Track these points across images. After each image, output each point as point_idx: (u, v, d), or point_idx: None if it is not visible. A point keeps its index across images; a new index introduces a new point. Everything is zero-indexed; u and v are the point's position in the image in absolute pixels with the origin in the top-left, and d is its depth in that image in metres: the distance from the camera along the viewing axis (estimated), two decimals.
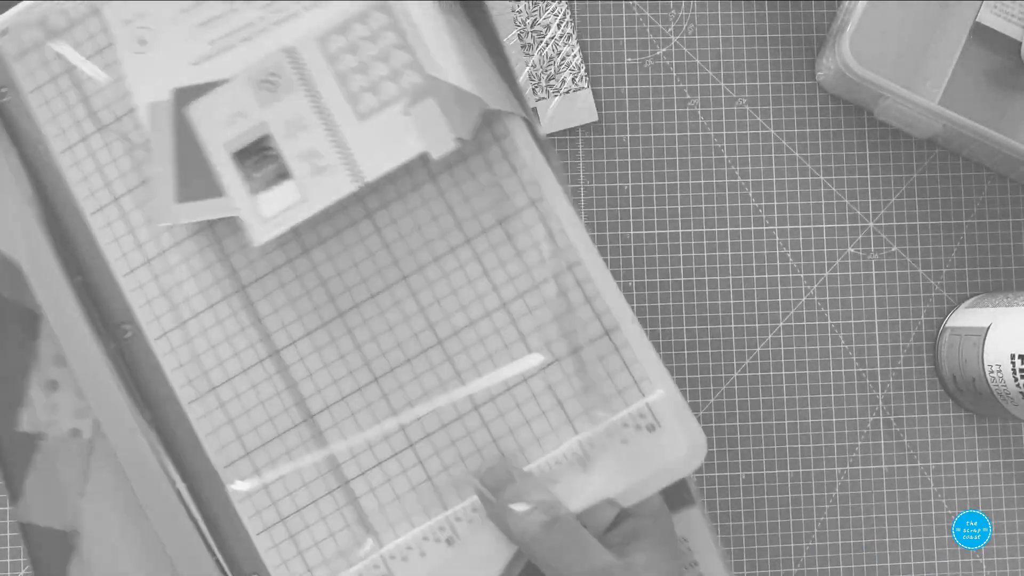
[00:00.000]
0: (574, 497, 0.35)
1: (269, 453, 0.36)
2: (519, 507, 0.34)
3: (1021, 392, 0.41)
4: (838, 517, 0.47)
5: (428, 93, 0.35)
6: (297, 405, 0.36)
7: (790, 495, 0.47)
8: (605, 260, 0.47)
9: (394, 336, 0.36)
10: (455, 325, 0.36)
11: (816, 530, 0.47)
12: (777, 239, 0.47)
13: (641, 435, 0.35)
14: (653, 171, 0.47)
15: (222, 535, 0.36)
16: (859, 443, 0.47)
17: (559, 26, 0.47)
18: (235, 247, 0.36)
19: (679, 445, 0.35)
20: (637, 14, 0.48)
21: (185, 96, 0.35)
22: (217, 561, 0.36)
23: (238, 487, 0.36)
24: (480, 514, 0.36)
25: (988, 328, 0.43)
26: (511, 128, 0.36)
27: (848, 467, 0.47)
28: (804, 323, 0.47)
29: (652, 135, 0.47)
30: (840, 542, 0.47)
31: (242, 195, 0.35)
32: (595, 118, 0.47)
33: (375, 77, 0.35)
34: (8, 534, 0.45)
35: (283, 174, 0.35)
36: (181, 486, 0.36)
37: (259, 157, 0.35)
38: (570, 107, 0.47)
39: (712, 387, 0.47)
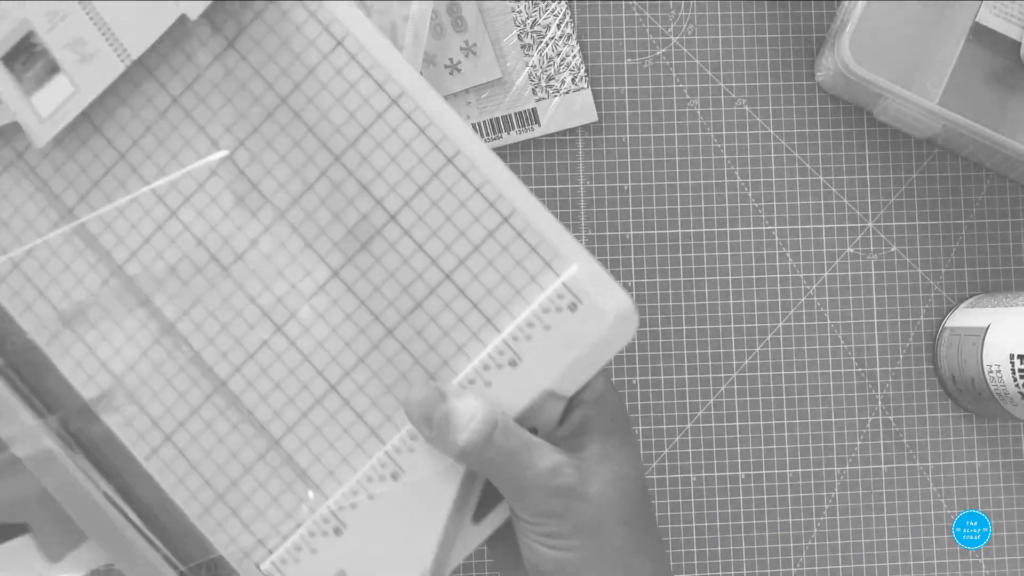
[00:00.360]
0: (511, 398, 0.34)
1: (188, 431, 0.36)
2: (454, 425, 0.33)
3: (1020, 392, 0.41)
4: (837, 517, 0.47)
5: None
6: (205, 375, 0.35)
7: (789, 495, 0.47)
8: (605, 260, 0.47)
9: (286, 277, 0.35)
10: (346, 252, 0.35)
11: (816, 530, 0.47)
12: (777, 239, 0.47)
13: (564, 316, 0.34)
14: (653, 171, 0.47)
15: (162, 527, 0.36)
16: (858, 443, 0.47)
17: (559, 26, 0.47)
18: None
19: (606, 316, 0.34)
20: (637, 14, 0.48)
21: None
22: (164, 556, 0.35)
23: (166, 477, 0.36)
24: (420, 441, 0.34)
25: (987, 328, 0.43)
26: (346, 23, 0.34)
27: (847, 467, 0.47)
28: (803, 323, 0.47)
29: (652, 135, 0.47)
30: (840, 542, 0.47)
31: (16, 98, 0.34)
32: (595, 118, 0.47)
33: None
34: None
35: (53, 68, 0.34)
36: (107, 487, 0.35)
37: (27, 56, 0.34)
38: (570, 107, 0.47)
39: (712, 387, 0.47)
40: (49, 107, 0.34)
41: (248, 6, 0.35)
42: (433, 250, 0.35)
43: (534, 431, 0.34)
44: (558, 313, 0.34)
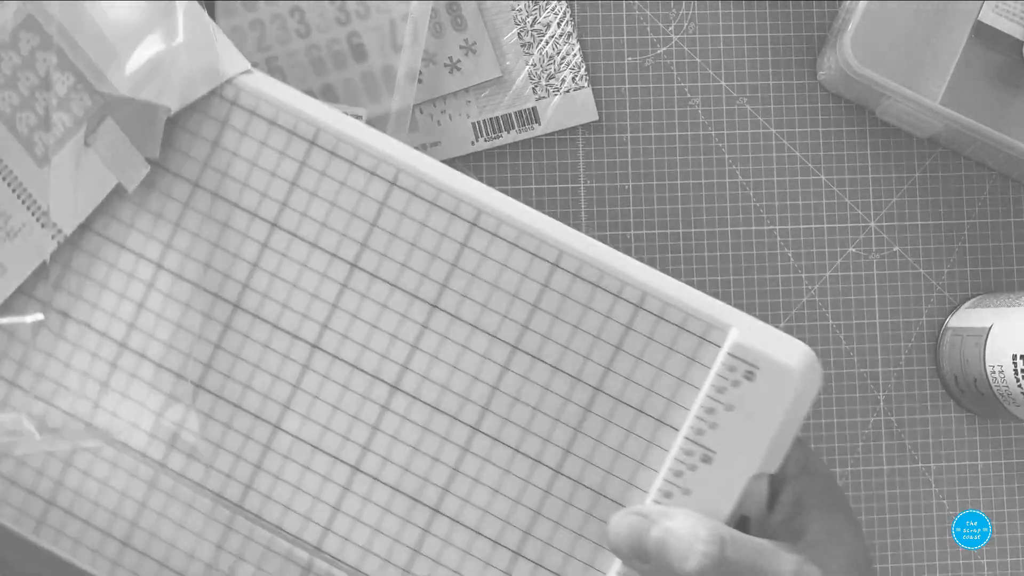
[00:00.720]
0: (718, 499, 0.30)
1: None
2: (676, 553, 0.28)
3: (1023, 392, 0.41)
4: None
5: (104, 114, 0.30)
6: (414, 506, 0.31)
7: None
8: None
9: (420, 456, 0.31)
10: (479, 402, 0.31)
11: None
12: (778, 239, 0.47)
13: (744, 389, 0.30)
14: (653, 171, 0.47)
15: None
16: (860, 443, 0.47)
17: (559, 25, 0.47)
18: None
19: (791, 373, 0.30)
20: (637, 13, 0.47)
21: None
22: None
23: None
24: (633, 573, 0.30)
25: (990, 328, 0.43)
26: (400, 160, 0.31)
27: (849, 467, 0.47)
28: (805, 323, 0.47)
29: (652, 135, 0.47)
30: None
31: None
32: (595, 117, 0.47)
33: (42, 111, 0.30)
34: None
35: None
36: None
37: None
38: (570, 106, 0.47)
39: None
40: None
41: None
42: (571, 367, 0.31)
43: (744, 521, 0.31)
44: (736, 388, 0.30)
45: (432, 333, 0.31)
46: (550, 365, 0.31)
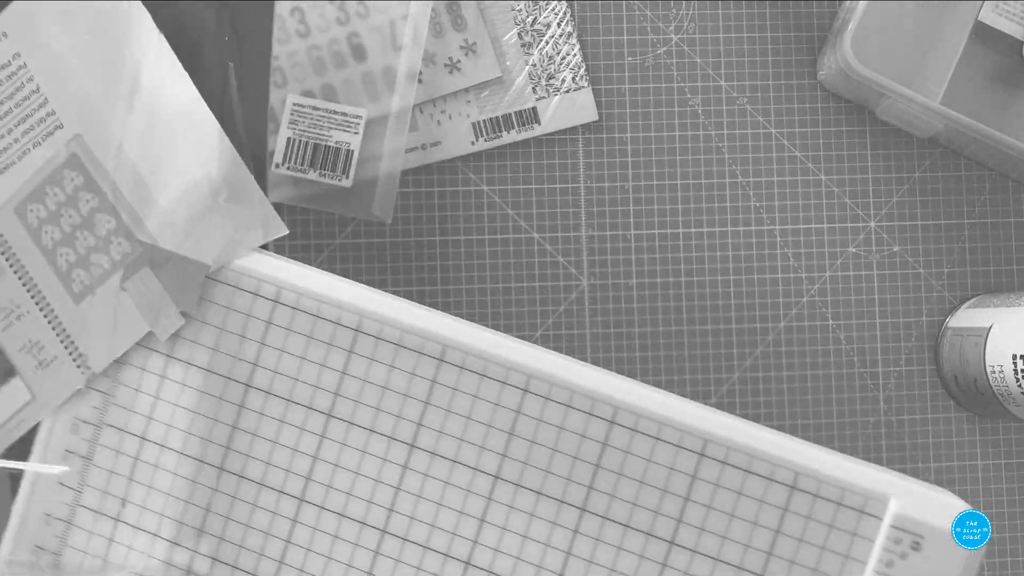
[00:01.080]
0: None
1: None
2: None
3: (1022, 392, 0.41)
4: None
5: (142, 263, 0.30)
6: None
7: None
8: (605, 260, 0.46)
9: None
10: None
11: None
12: (778, 239, 0.47)
13: (912, 561, 0.29)
14: (653, 171, 0.47)
15: None
16: (860, 443, 0.47)
17: (559, 25, 0.47)
18: None
19: (951, 548, 0.29)
20: (637, 13, 0.47)
21: None
22: None
23: None
24: None
25: (990, 328, 0.43)
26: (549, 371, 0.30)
27: None
28: (805, 323, 0.47)
29: (652, 135, 0.47)
30: None
31: None
32: (595, 117, 0.47)
33: (83, 249, 0.30)
34: None
35: (8, 370, 0.30)
36: None
37: None
38: (570, 107, 0.47)
39: (713, 388, 0.47)
40: (4, 414, 0.30)
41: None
42: (733, 556, 0.30)
43: None
44: (904, 560, 0.29)
45: (585, 538, 0.30)
46: (711, 557, 0.30)
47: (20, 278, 0.31)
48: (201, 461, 0.31)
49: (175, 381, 0.31)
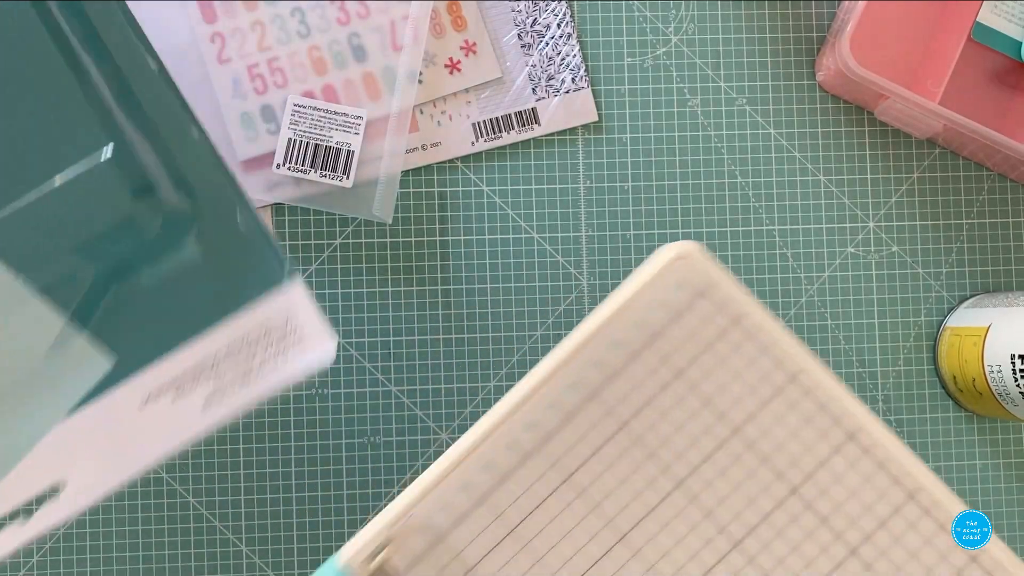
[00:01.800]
0: None
1: None
2: None
3: (1021, 392, 0.41)
4: None
5: None
6: None
7: None
8: (605, 260, 0.47)
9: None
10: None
11: None
12: (777, 239, 0.47)
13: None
14: (653, 171, 0.47)
15: None
16: None
17: (559, 26, 0.47)
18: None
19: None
20: (637, 14, 0.47)
21: None
22: None
23: None
24: None
25: (988, 328, 0.43)
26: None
27: None
28: (804, 323, 0.47)
29: (652, 135, 0.47)
30: None
31: None
32: (595, 118, 0.47)
33: None
34: None
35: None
36: None
37: None
38: (570, 107, 0.47)
39: None
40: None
41: None
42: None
43: None
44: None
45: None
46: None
47: None
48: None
49: None
